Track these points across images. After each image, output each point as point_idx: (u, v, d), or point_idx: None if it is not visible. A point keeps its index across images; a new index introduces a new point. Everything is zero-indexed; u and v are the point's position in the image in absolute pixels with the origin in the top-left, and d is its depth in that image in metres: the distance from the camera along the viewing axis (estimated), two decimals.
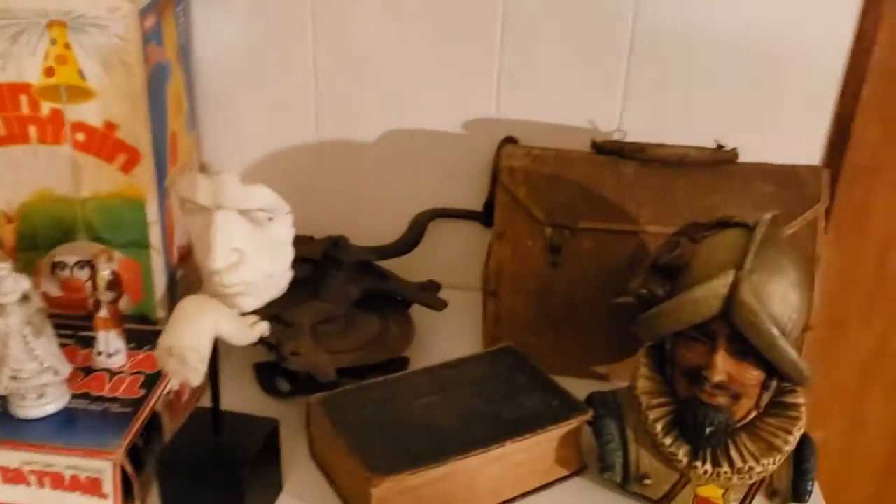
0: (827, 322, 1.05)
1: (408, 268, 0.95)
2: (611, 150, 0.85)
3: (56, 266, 0.86)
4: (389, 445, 0.68)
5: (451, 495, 0.69)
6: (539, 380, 0.77)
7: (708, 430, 0.67)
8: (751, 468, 0.68)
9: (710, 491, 0.70)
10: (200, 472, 0.66)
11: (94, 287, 0.76)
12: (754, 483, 0.70)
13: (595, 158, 0.85)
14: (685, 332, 0.68)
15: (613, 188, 0.84)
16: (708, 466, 0.68)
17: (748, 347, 0.65)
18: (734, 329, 0.65)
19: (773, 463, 0.68)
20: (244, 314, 0.66)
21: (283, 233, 0.65)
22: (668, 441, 0.69)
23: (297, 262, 0.91)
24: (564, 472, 0.74)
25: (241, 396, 0.83)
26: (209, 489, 0.66)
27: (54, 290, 0.86)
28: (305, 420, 0.75)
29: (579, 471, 0.75)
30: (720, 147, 0.86)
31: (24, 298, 0.68)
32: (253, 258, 0.63)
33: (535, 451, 0.72)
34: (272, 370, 0.85)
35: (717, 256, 0.67)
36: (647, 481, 0.71)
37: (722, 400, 0.67)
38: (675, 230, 0.76)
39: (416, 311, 0.91)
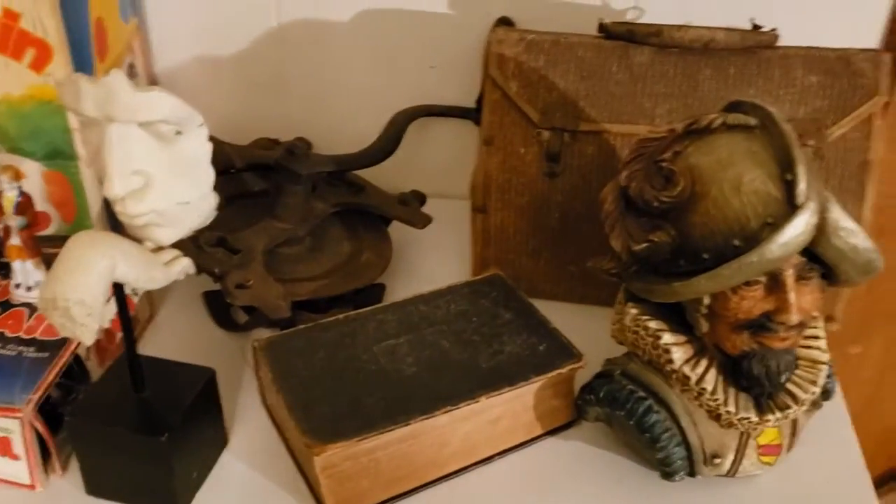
0: (873, 231, 0.90)
1: (388, 176, 0.82)
2: (621, 35, 0.69)
3: None
4: (337, 402, 0.57)
5: (415, 457, 0.58)
6: (526, 317, 0.65)
7: (784, 377, 0.56)
8: (813, 393, 0.57)
9: (770, 436, 0.59)
10: (117, 436, 0.56)
11: (0, 211, 0.64)
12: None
13: (601, 44, 0.70)
14: None
15: (623, 81, 0.69)
16: (778, 413, 0.57)
17: (811, 267, 0.54)
18: (804, 257, 0.53)
19: (824, 377, 0.58)
20: (160, 249, 0.55)
21: (196, 149, 0.53)
22: (732, 408, 0.56)
23: (255, 172, 0.80)
24: (551, 426, 0.63)
25: (193, 330, 0.73)
26: (129, 455, 0.56)
27: None
28: (254, 364, 0.65)
29: (569, 424, 0.64)
30: (756, 28, 0.70)
31: None
32: (161, 182, 0.52)
33: (516, 404, 0.61)
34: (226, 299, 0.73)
35: (748, 176, 0.52)
36: (718, 460, 0.58)
37: (796, 339, 0.56)
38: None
39: (397, 228, 0.79)
